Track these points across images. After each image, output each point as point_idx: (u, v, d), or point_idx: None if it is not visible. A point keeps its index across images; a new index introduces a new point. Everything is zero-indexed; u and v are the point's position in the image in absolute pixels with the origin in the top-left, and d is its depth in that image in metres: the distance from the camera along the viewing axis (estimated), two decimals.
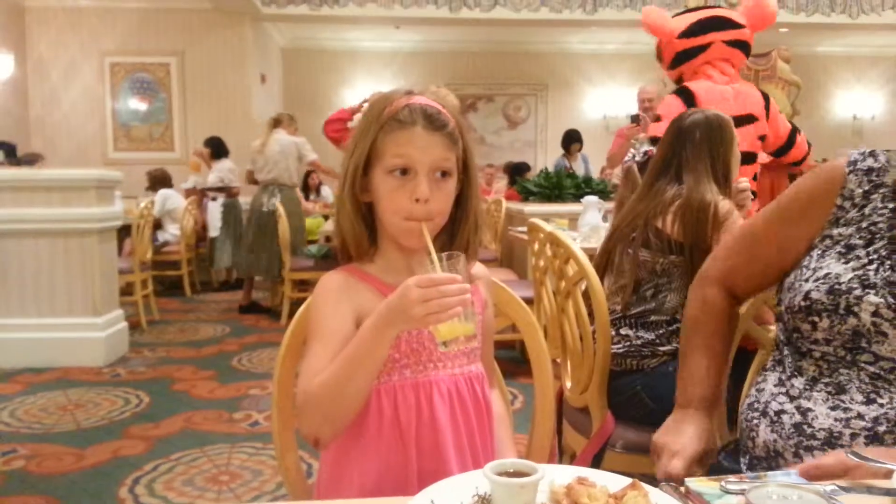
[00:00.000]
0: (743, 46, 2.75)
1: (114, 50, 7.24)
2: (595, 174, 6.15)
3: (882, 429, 0.90)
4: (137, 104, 7.36)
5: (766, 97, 2.73)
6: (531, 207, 4.35)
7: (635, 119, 4.12)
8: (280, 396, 1.09)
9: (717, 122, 1.79)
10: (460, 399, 0.98)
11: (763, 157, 2.78)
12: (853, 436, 0.91)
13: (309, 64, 8.92)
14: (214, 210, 6.30)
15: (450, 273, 0.83)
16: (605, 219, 3.31)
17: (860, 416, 0.91)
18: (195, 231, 6.42)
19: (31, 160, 5.39)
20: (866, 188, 0.98)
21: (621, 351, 1.67)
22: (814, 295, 0.96)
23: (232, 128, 6.97)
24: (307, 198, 6.97)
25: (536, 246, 2.04)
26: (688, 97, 2.60)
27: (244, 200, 6.36)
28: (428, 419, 0.95)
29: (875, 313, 0.91)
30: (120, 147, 7.38)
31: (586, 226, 3.27)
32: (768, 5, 2.79)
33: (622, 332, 1.69)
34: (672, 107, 2.55)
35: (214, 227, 6.32)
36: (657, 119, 2.69)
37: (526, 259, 3.57)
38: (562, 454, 1.83)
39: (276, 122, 5.30)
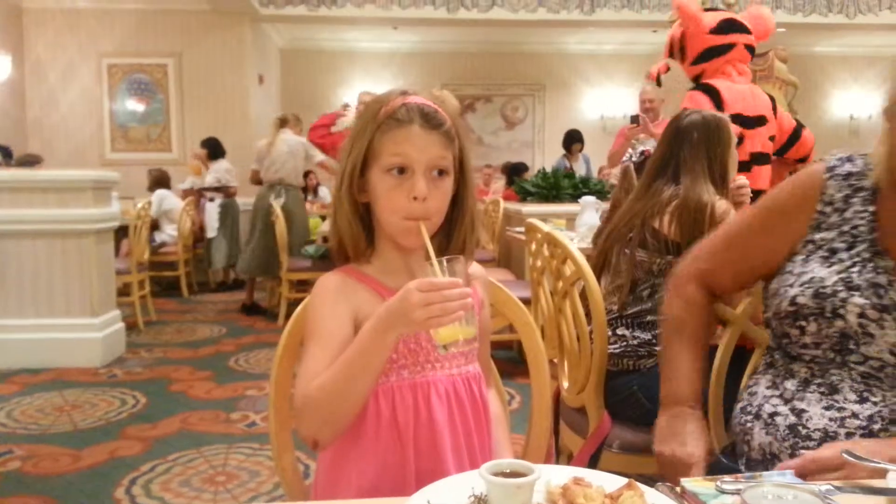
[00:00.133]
0: (753, 53, 2.80)
1: (111, 51, 7.23)
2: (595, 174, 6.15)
3: (877, 427, 0.90)
4: (135, 105, 7.34)
5: (771, 98, 2.75)
6: (529, 208, 4.35)
7: (635, 119, 4.13)
8: (277, 397, 1.09)
9: (714, 122, 1.79)
10: (458, 399, 0.98)
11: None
12: (848, 435, 0.91)
13: (307, 65, 8.92)
14: (212, 210, 6.28)
15: (451, 276, 0.83)
16: (601, 219, 3.31)
17: (854, 415, 0.92)
18: (192, 232, 6.41)
19: (30, 162, 5.36)
20: (846, 192, 1.00)
21: (618, 351, 1.67)
22: (800, 300, 0.97)
23: (230, 128, 6.96)
24: (305, 198, 6.95)
25: (534, 246, 2.04)
26: (714, 94, 2.60)
27: (242, 201, 6.36)
28: (426, 420, 0.95)
29: (861, 315, 0.92)
30: (117, 148, 7.36)
31: (584, 226, 3.28)
32: (770, 20, 2.87)
33: (619, 332, 1.70)
34: (700, 103, 2.53)
35: (212, 228, 6.30)
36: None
37: (523, 259, 3.57)
38: (558, 454, 1.83)
39: (283, 122, 5.27)
